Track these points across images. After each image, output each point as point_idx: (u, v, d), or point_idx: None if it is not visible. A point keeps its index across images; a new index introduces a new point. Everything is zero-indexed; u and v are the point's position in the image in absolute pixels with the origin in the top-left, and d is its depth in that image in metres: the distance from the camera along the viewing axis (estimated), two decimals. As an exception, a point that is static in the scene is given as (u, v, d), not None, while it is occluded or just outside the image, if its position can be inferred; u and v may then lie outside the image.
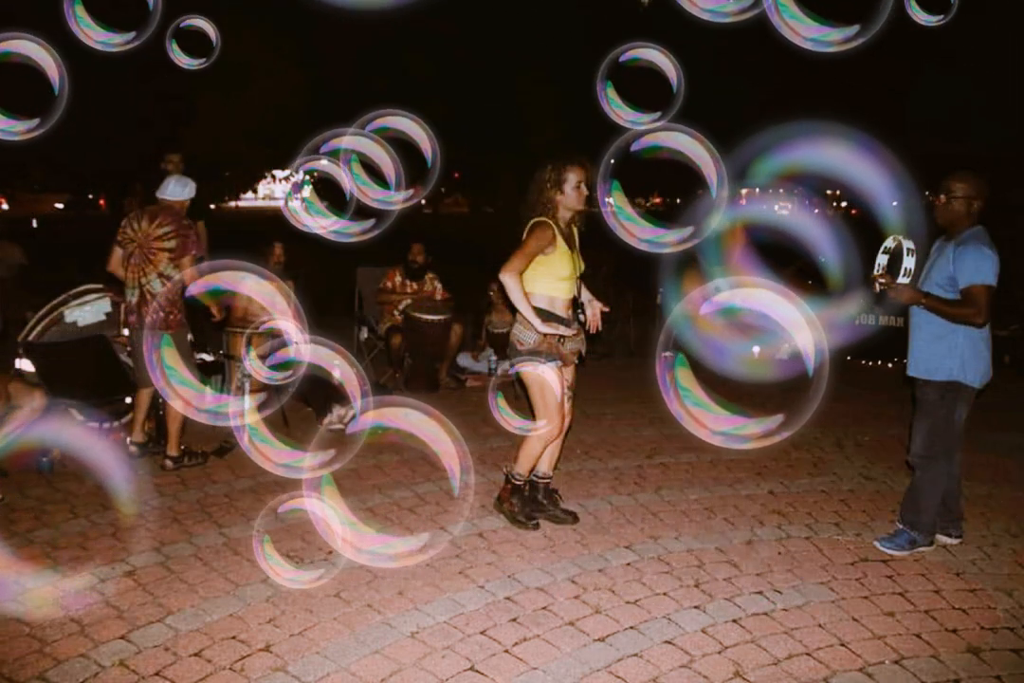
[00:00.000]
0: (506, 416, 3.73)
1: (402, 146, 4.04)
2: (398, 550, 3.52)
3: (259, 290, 3.63)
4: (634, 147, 3.79)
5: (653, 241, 3.86)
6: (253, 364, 4.11)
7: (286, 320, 4.16)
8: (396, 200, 4.13)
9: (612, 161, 3.73)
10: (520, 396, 6.00)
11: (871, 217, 3.88)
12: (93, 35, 3.90)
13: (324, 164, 4.11)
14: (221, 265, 3.74)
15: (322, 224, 4.13)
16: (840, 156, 3.76)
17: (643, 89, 4.19)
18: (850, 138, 3.88)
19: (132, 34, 3.89)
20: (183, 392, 3.99)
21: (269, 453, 3.81)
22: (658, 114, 3.96)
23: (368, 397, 4.18)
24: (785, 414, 3.35)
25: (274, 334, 5.58)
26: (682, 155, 3.85)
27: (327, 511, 3.34)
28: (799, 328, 3.42)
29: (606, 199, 3.83)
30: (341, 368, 4.30)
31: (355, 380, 4.11)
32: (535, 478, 4.07)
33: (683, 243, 3.85)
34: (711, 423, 3.42)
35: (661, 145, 3.82)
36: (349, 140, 3.95)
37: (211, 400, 4.11)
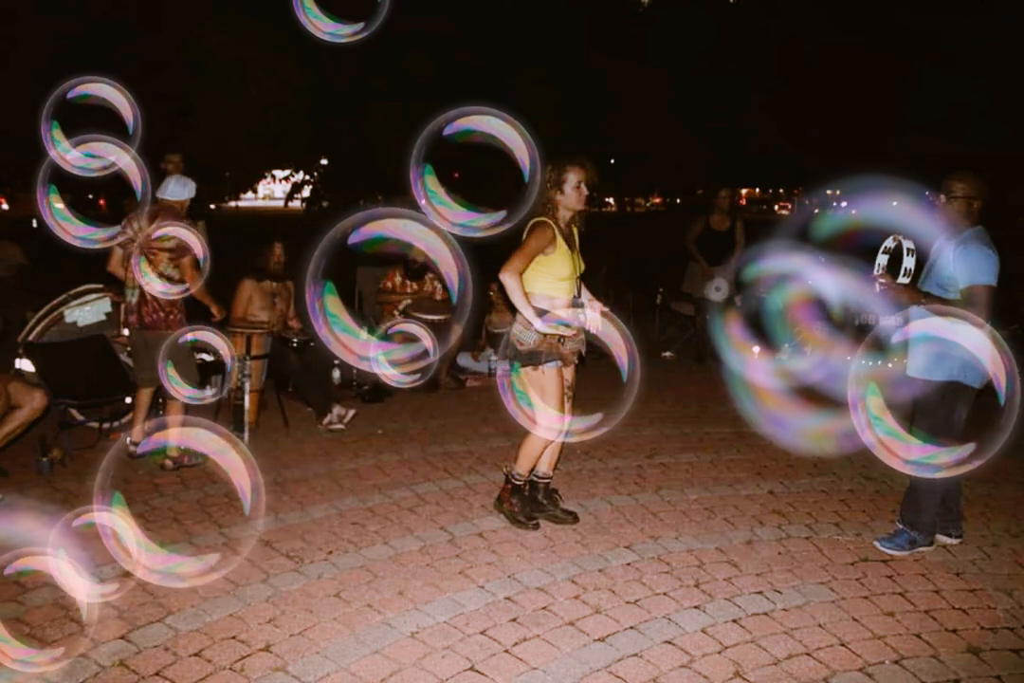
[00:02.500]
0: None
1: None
2: (188, 569, 3.36)
3: (423, 238, 3.49)
4: (447, 131, 3.72)
5: (466, 225, 3.80)
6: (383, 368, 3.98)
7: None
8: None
9: (423, 146, 3.65)
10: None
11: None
12: (322, 26, 3.79)
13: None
14: (381, 212, 3.60)
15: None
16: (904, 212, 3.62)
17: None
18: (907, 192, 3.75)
19: (360, 25, 3.77)
20: (344, 339, 3.86)
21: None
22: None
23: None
24: (977, 443, 3.29)
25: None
26: (496, 139, 3.75)
27: (119, 528, 3.20)
28: (988, 354, 3.36)
29: (418, 183, 3.76)
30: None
31: None
32: (535, 478, 4.07)
33: (495, 227, 3.76)
34: (903, 452, 3.38)
35: (473, 129, 3.74)
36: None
37: (373, 347, 3.98)
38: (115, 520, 3.10)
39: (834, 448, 4.48)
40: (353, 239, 3.64)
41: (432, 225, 3.52)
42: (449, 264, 3.59)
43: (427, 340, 3.79)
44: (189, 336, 4.43)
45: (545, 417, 3.77)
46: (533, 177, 3.64)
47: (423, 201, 3.55)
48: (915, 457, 3.39)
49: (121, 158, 4.00)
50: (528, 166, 3.67)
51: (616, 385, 3.85)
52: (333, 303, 3.71)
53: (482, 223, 3.84)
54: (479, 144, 3.66)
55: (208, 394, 4.23)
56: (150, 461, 4.72)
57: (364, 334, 3.76)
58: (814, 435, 3.93)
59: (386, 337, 4.04)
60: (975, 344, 3.52)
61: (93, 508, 3.14)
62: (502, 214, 3.81)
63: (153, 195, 4.75)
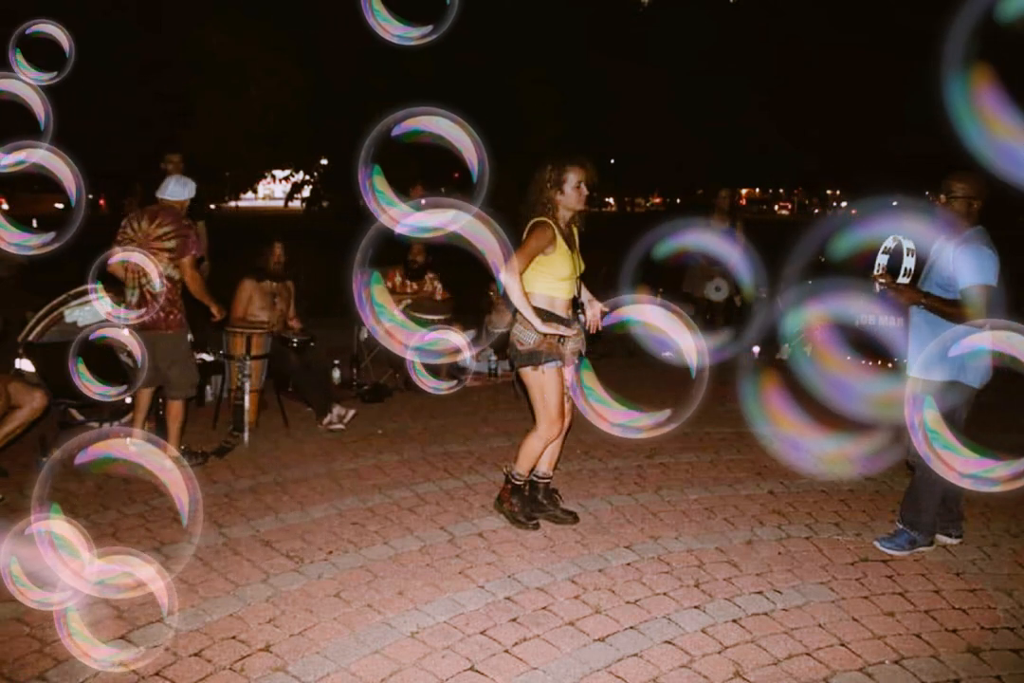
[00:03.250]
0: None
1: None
2: (118, 581, 3.23)
3: (472, 229, 3.45)
4: (395, 132, 3.71)
5: (416, 226, 3.81)
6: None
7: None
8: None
9: (372, 147, 3.63)
10: (520, 396, 6.01)
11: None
12: (391, 29, 3.79)
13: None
14: (427, 203, 3.58)
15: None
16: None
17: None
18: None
19: (429, 28, 3.77)
20: (392, 329, 3.84)
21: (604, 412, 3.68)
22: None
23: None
24: None
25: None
26: (444, 140, 3.75)
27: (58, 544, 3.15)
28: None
29: (366, 183, 3.73)
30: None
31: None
32: (535, 478, 4.07)
33: (441, 229, 3.74)
34: (960, 466, 3.36)
35: (422, 129, 3.73)
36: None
37: (426, 337, 3.95)
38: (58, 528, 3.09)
39: (852, 472, 4.46)
40: (400, 230, 3.64)
41: (480, 215, 3.49)
42: (496, 254, 3.56)
43: (465, 348, 3.78)
44: (99, 333, 4.41)
45: (545, 418, 3.77)
46: (481, 177, 3.66)
47: (371, 202, 3.55)
48: (973, 471, 3.37)
49: (32, 155, 3.97)
50: (476, 166, 3.70)
51: (616, 385, 3.85)
52: (380, 292, 3.68)
53: (432, 223, 3.87)
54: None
55: (118, 391, 4.21)
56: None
57: (412, 325, 3.72)
58: (832, 459, 3.91)
59: (430, 326, 3.94)
60: (975, 344, 3.53)
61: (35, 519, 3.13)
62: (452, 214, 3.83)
63: (153, 195, 4.77)
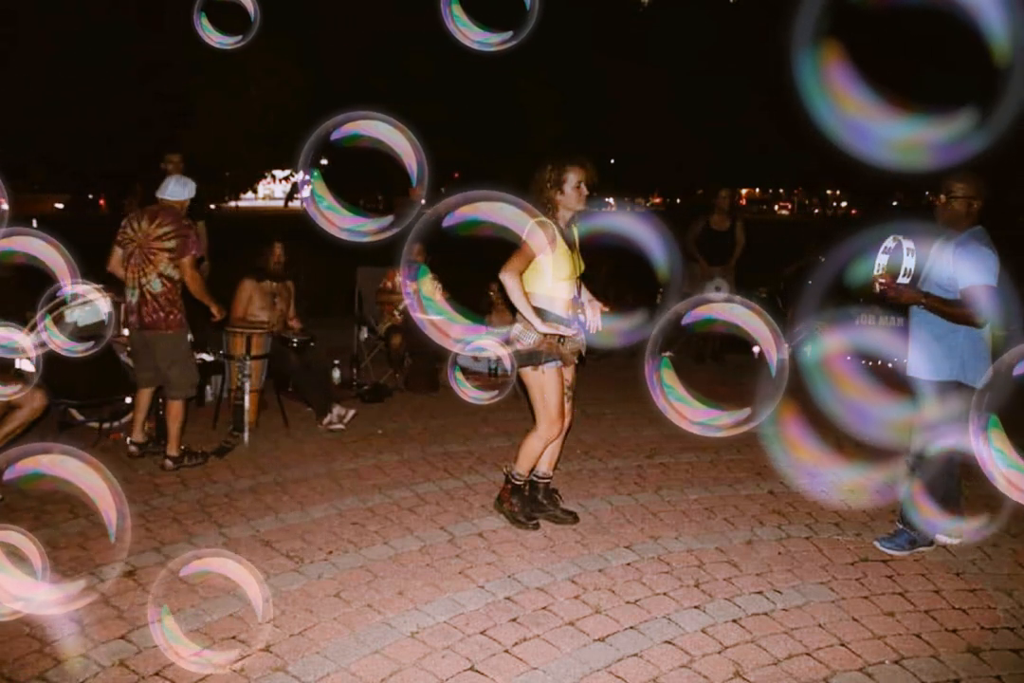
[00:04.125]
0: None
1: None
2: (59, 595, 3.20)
3: (518, 221, 3.44)
4: (334, 136, 3.71)
5: (353, 230, 3.85)
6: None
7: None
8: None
9: (311, 151, 3.64)
10: (520, 396, 6.01)
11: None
12: (470, 34, 3.79)
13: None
14: (475, 195, 3.57)
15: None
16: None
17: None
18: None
19: (509, 33, 3.76)
20: (439, 323, 3.84)
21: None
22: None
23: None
24: None
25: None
26: (383, 144, 3.78)
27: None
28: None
29: (305, 186, 3.78)
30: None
31: None
32: (535, 478, 4.07)
33: (382, 232, 3.83)
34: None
35: (361, 134, 3.74)
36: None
37: (470, 330, 3.93)
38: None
39: (868, 501, 4.45)
40: (447, 222, 3.64)
41: (528, 208, 3.48)
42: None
43: (505, 358, 3.78)
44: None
45: (545, 417, 3.77)
46: (420, 181, 3.71)
47: (311, 206, 3.56)
48: None
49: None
50: (415, 170, 3.74)
51: (616, 385, 3.85)
52: (426, 285, 3.68)
53: (369, 228, 3.92)
54: (476, 145, 3.68)
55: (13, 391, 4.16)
56: (150, 461, 4.72)
57: (460, 317, 3.71)
58: (849, 487, 3.88)
59: (479, 320, 3.89)
60: (975, 344, 3.53)
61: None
62: (389, 219, 3.89)
63: (153, 195, 4.76)
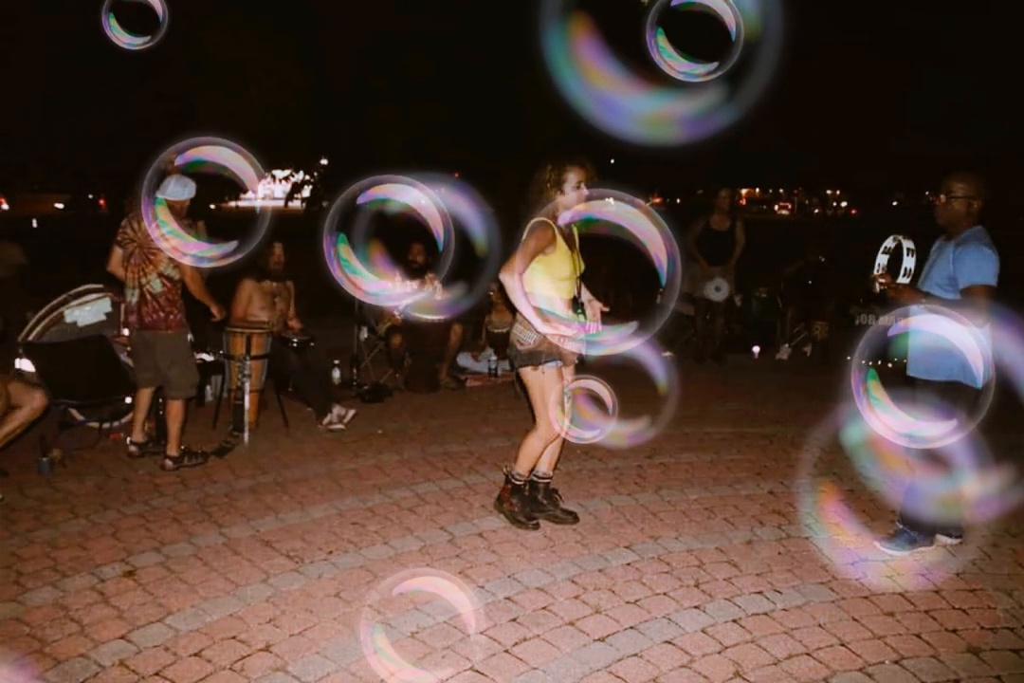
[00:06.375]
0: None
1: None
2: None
3: (632, 219, 3.41)
4: (178, 161, 3.82)
5: (198, 256, 4.10)
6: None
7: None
8: None
9: (154, 177, 3.87)
10: (520, 396, 6.01)
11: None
12: (676, 66, 3.79)
13: None
14: (594, 194, 3.56)
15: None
16: None
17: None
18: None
19: (714, 64, 3.75)
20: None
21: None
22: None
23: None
24: None
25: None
26: (227, 170, 4.07)
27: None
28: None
29: (150, 214, 4.01)
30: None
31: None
32: (535, 478, 4.07)
33: (227, 257, 4.08)
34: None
35: (205, 160, 3.95)
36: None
37: (580, 327, 3.91)
38: None
39: (868, 501, 4.42)
40: (563, 220, 3.64)
41: (642, 206, 3.47)
42: (659, 245, 3.53)
43: (607, 397, 3.77)
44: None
45: (545, 417, 3.77)
46: (262, 207, 3.85)
47: (156, 232, 3.66)
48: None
49: None
50: (255, 192, 3.88)
51: (616, 385, 3.84)
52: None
53: (212, 253, 4.16)
54: (476, 145, 3.75)
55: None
56: (150, 461, 4.72)
57: (573, 315, 3.70)
58: (947, 501, 3.85)
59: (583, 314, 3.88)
60: (975, 344, 3.52)
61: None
62: (233, 244, 4.11)
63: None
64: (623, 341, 3.62)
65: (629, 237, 3.51)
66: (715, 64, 3.75)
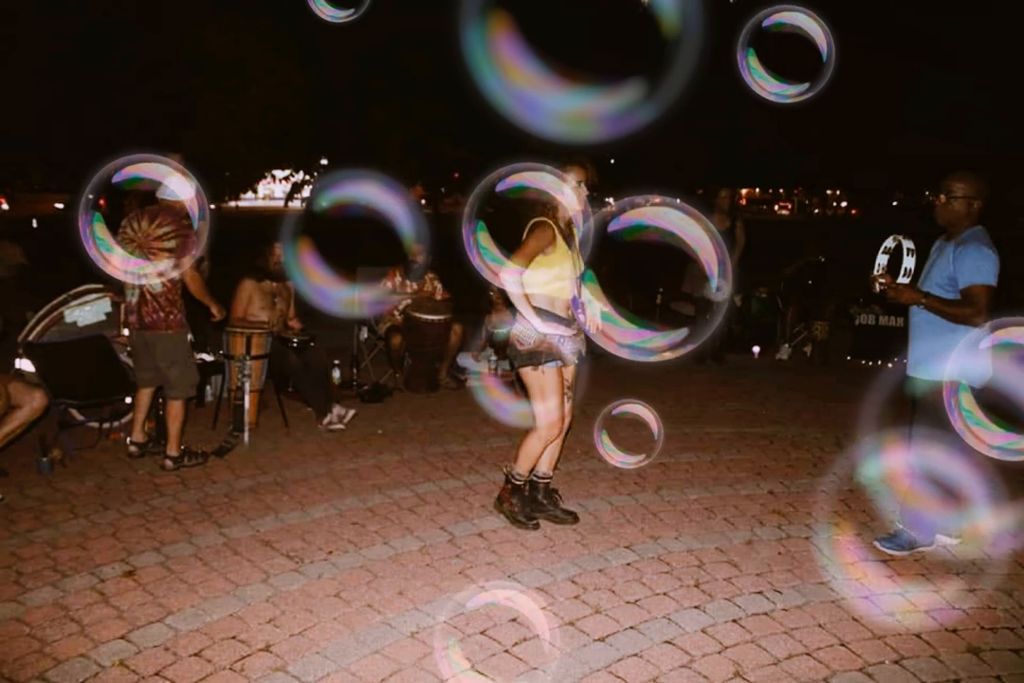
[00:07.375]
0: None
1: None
2: None
3: (683, 226, 3.39)
4: (115, 179, 4.00)
5: (135, 272, 4.19)
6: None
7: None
8: None
9: (94, 194, 3.96)
10: (520, 396, 6.00)
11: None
12: (767, 86, 3.78)
13: None
14: (639, 201, 3.54)
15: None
16: None
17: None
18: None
19: (805, 85, 3.75)
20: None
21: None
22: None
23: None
24: None
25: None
26: (166, 189, 4.28)
27: None
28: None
29: (86, 229, 4.04)
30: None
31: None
32: (535, 478, 4.07)
33: (163, 275, 4.23)
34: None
35: (143, 177, 4.16)
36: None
37: (634, 335, 3.91)
38: None
39: (868, 502, 4.42)
40: (613, 227, 3.63)
41: (693, 212, 3.46)
42: (709, 252, 3.52)
43: (654, 424, 3.78)
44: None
45: (544, 417, 3.77)
46: (202, 221, 4.15)
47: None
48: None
49: None
50: (198, 214, 4.18)
51: (616, 385, 3.84)
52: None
53: (149, 270, 4.31)
54: (476, 144, 3.72)
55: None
56: (150, 461, 4.72)
57: (623, 321, 3.70)
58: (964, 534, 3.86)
59: (644, 325, 3.85)
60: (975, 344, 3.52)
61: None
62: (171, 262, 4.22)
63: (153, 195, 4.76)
64: (673, 347, 3.61)
65: (680, 243, 3.51)
66: (805, 85, 3.75)
